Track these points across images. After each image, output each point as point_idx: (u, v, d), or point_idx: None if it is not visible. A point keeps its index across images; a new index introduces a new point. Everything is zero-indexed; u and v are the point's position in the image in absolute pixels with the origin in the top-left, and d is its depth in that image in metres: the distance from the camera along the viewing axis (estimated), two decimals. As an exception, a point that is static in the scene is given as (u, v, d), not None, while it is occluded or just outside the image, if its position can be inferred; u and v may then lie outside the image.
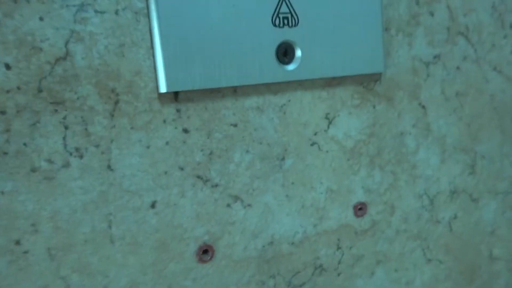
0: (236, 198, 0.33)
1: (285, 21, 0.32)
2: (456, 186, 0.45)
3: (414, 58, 0.40)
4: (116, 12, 0.28)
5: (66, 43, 0.27)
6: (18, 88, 0.26)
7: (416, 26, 0.40)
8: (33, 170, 0.26)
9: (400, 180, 0.41)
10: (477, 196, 0.47)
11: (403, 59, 0.39)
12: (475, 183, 0.46)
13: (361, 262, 0.40)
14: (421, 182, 0.43)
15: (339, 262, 0.39)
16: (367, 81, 0.38)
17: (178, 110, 0.30)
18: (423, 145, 0.42)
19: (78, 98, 0.27)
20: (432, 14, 0.40)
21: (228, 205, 0.33)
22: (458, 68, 0.43)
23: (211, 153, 0.32)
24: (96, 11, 0.27)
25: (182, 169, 0.31)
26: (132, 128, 0.29)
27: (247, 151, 0.33)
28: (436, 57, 0.41)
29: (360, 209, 0.39)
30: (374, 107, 0.39)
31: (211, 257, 0.33)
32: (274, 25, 0.32)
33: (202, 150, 0.31)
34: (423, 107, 0.41)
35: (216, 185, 0.32)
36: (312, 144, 0.36)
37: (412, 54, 0.40)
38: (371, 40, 0.36)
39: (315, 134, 0.36)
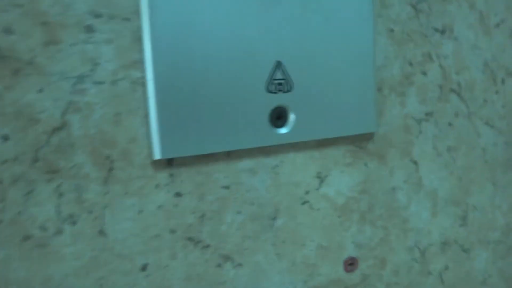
0: (227, 258, 0.34)
1: (280, 87, 0.33)
2: (447, 237, 0.45)
3: (406, 117, 0.41)
4: (114, 83, 0.28)
5: (64, 113, 0.27)
6: (15, 158, 0.26)
7: (408, 85, 0.40)
8: (26, 238, 0.27)
9: (391, 234, 0.42)
10: (468, 246, 0.47)
11: (396, 117, 0.40)
12: (466, 234, 0.47)
13: (351, 316, 0.41)
14: (412, 235, 0.43)
15: (329, 318, 0.39)
16: (359, 140, 0.39)
17: (171, 175, 0.31)
18: (415, 200, 0.43)
19: (73, 167, 0.28)
20: (425, 73, 0.41)
21: (219, 265, 0.33)
22: (450, 124, 0.43)
23: (202, 215, 0.32)
24: (94, 82, 0.28)
25: (173, 231, 0.31)
26: (125, 194, 0.29)
27: (239, 212, 0.34)
28: (428, 114, 0.42)
29: (350, 264, 0.40)
30: (366, 165, 0.39)
31: (200, 318, 0.33)
32: (268, 91, 0.32)
33: (194, 213, 0.32)
34: (415, 163, 0.42)
35: (207, 246, 0.33)
36: (303, 203, 0.37)
37: (404, 112, 0.40)
38: (364, 101, 0.37)
39: (307, 193, 0.37)
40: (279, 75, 0.33)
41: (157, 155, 0.29)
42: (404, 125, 0.41)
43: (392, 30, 0.39)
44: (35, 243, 0.27)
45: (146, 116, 0.30)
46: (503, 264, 0.51)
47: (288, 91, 0.33)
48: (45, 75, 0.27)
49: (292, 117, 0.34)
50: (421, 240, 0.44)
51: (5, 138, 0.26)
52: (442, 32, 0.41)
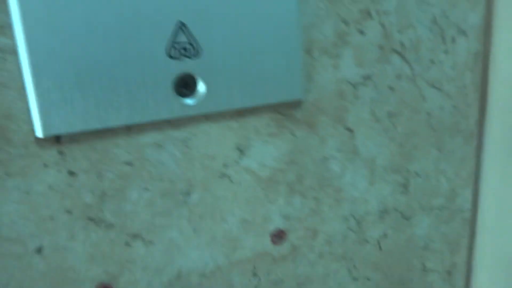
0: (136, 236, 0.32)
1: (183, 52, 0.29)
2: (386, 205, 0.44)
3: (340, 81, 0.38)
4: (-21, 51, 0.25)
5: None
6: None
7: (343, 46, 0.37)
8: None
9: (323, 205, 0.40)
10: (410, 213, 0.46)
11: (327, 82, 0.37)
12: (407, 201, 0.45)
13: (280, 286, 0.40)
14: (347, 205, 0.41)
15: (254, 290, 0.38)
16: (285, 108, 0.36)
17: (60, 153, 0.28)
18: (349, 169, 0.40)
19: None
20: (362, 32, 0.37)
21: (127, 244, 0.32)
22: (391, 87, 0.40)
23: (103, 194, 0.30)
24: (-46, 51, 0.24)
25: (69, 212, 0.29)
26: (6, 175, 0.27)
27: (146, 189, 0.31)
28: (366, 77, 0.39)
29: (277, 236, 0.38)
30: (293, 134, 0.37)
31: (105, 299, 0.31)
32: (170, 56, 0.29)
33: (92, 192, 0.30)
34: (350, 130, 0.39)
35: (111, 225, 0.31)
36: (221, 177, 0.34)
37: (338, 76, 0.37)
38: (288, 65, 0.34)
39: (225, 166, 0.34)
40: (182, 38, 0.29)
41: (39, 132, 0.27)
42: (338, 90, 0.38)
43: (323, -15, 0.35)
44: None
45: (23, 88, 0.26)
46: (446, 229, 0.50)
47: (195, 56, 0.30)
48: None
49: (201, 85, 0.31)
50: (357, 209, 0.42)
51: None
52: (383, -14, 0.37)
